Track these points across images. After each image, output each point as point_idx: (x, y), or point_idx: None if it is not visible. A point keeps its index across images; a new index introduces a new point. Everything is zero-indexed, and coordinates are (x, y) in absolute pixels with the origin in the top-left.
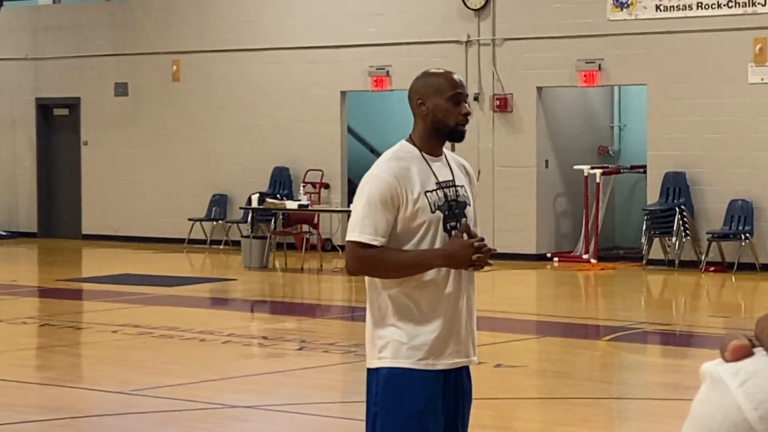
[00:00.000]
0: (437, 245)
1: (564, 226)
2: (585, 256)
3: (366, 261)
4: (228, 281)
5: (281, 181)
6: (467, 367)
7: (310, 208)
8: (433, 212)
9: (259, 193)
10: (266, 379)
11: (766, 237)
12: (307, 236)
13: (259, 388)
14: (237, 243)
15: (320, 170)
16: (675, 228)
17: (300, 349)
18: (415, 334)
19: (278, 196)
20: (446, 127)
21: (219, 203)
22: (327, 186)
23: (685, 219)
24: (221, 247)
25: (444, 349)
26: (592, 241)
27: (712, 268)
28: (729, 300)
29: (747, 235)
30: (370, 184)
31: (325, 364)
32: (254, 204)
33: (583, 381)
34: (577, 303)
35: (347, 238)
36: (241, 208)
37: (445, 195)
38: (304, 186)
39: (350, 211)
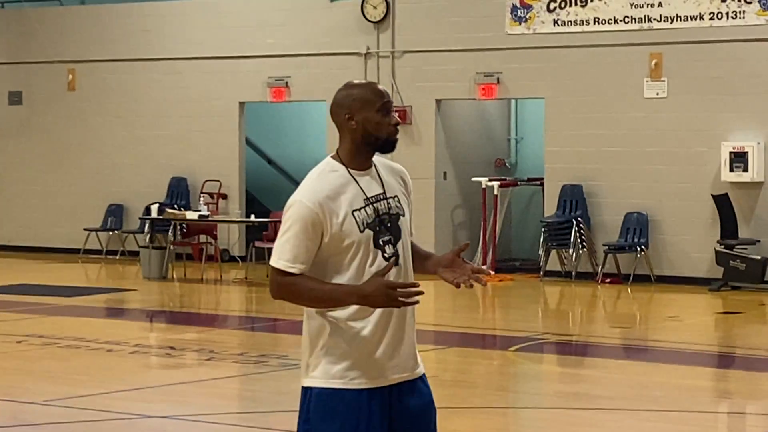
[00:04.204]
0: (368, 263)
1: (462, 237)
2: (483, 268)
3: (284, 288)
4: (128, 291)
5: (179, 192)
6: (410, 383)
7: (209, 218)
8: (361, 231)
9: (158, 203)
10: (179, 389)
11: (660, 249)
12: (204, 246)
13: (172, 398)
14: (133, 253)
15: (218, 181)
16: (572, 240)
17: (209, 359)
18: (345, 354)
19: (176, 206)
20: (378, 140)
21: (115, 213)
22: (225, 196)
23: (581, 231)
24: (117, 257)
25: (376, 369)
26: (490, 253)
27: (608, 280)
28: (625, 311)
29: (642, 247)
30: (292, 210)
31: (235, 374)
32: (153, 214)
33: (492, 390)
34: (476, 314)
35: (269, 262)
36: (140, 218)
37: (376, 210)
38: (202, 196)
39: (250, 222)
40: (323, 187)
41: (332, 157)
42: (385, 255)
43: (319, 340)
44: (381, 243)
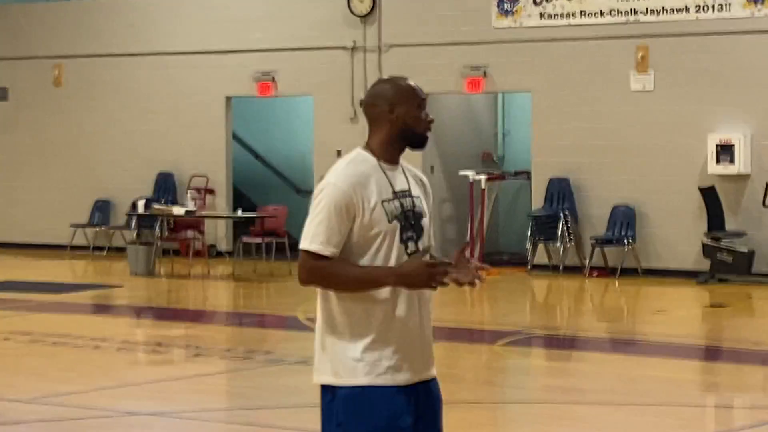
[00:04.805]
0: (393, 256)
1: (449, 231)
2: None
3: (316, 272)
4: (115, 288)
5: (165, 187)
6: (432, 381)
7: (196, 214)
8: (390, 222)
9: (145, 199)
10: (166, 385)
11: (648, 242)
12: (191, 242)
13: (159, 394)
14: (120, 249)
15: (205, 176)
16: (559, 233)
17: (196, 355)
18: (371, 350)
19: (163, 201)
20: (415, 134)
21: (102, 209)
22: (212, 192)
23: (569, 224)
24: (104, 253)
25: (402, 364)
26: (477, 247)
27: (596, 273)
28: (612, 304)
29: (629, 240)
30: (325, 193)
31: (222, 370)
32: (140, 210)
33: (480, 385)
34: (464, 308)
35: (299, 247)
36: (127, 214)
37: (402, 205)
38: (189, 192)
39: (237, 217)
40: (355, 172)
41: (362, 148)
42: (408, 251)
43: (342, 340)
44: (405, 238)
